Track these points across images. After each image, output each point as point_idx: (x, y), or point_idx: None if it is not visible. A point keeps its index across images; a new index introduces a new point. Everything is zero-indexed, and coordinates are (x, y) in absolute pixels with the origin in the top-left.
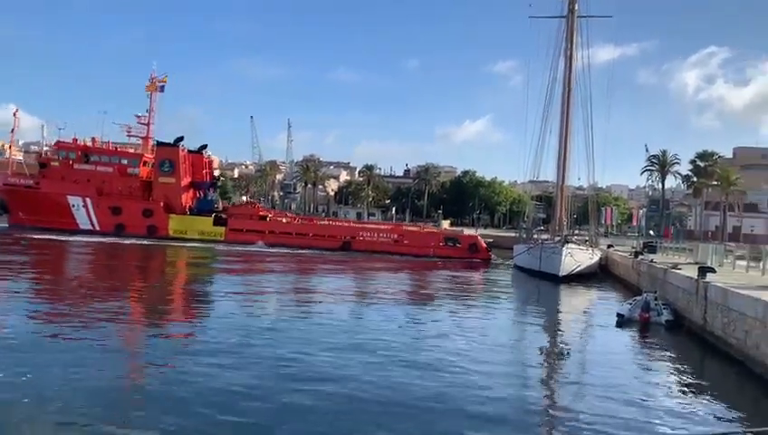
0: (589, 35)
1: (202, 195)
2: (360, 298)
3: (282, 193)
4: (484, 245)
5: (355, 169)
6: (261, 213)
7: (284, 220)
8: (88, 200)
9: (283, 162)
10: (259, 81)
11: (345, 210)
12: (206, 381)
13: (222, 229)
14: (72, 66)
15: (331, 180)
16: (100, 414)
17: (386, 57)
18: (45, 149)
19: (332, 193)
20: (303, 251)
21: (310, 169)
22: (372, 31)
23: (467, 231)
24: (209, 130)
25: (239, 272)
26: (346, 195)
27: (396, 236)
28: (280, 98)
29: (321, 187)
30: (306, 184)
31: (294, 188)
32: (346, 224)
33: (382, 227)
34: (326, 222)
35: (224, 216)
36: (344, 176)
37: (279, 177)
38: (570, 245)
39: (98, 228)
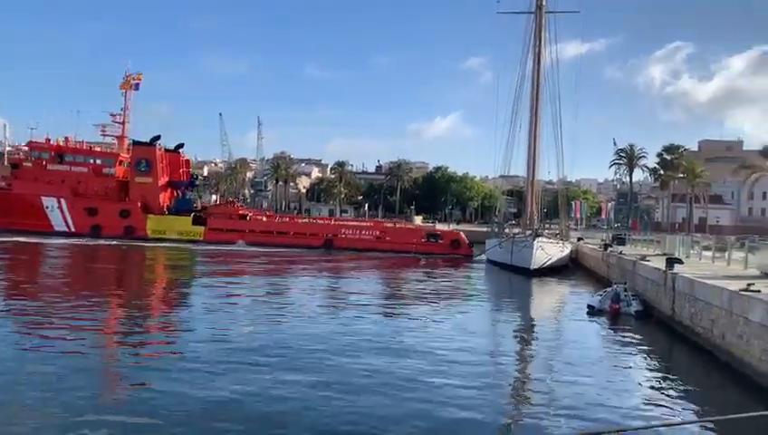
0: (557, 31)
1: (180, 194)
2: (340, 298)
3: (252, 191)
4: (467, 240)
5: (327, 165)
6: (241, 212)
7: (264, 219)
8: (63, 201)
9: (254, 160)
10: (228, 77)
11: (317, 207)
12: (186, 389)
13: (201, 229)
14: (36, 64)
15: (303, 177)
16: (71, 425)
17: (356, 54)
18: (9, 149)
19: (304, 190)
20: (285, 250)
21: (281, 167)
22: (342, 27)
23: (439, 226)
24: (178, 127)
25: (220, 274)
26: (318, 192)
27: (378, 233)
28: (249, 95)
29: (292, 184)
30: (277, 181)
31: (265, 186)
32: (327, 222)
33: (364, 224)
34: (307, 220)
35: (203, 215)
36: (316, 173)
37: (249, 174)
38: (541, 238)
39: (73, 230)
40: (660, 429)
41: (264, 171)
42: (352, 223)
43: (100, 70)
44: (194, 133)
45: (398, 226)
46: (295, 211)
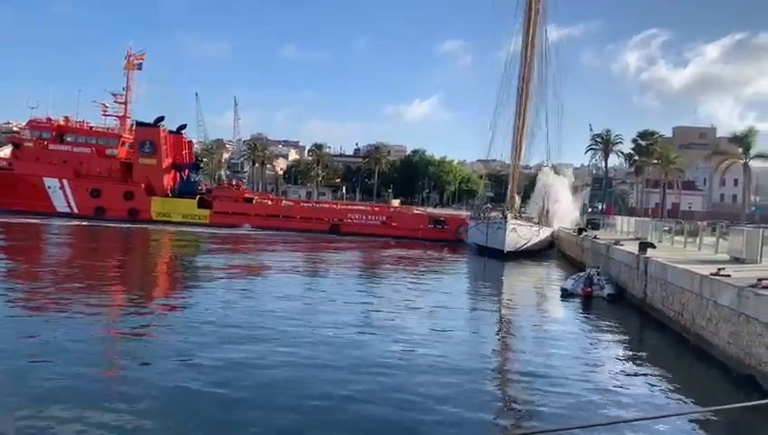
0: (546, 12)
1: (184, 177)
2: (333, 278)
3: (229, 172)
4: None
5: (304, 148)
6: (246, 195)
7: (270, 202)
8: (65, 182)
9: (230, 141)
10: (205, 58)
11: (294, 189)
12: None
13: (206, 212)
14: (18, 48)
15: (280, 159)
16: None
17: (335, 35)
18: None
19: (281, 172)
20: (292, 234)
21: (257, 148)
22: (321, 8)
23: (416, 210)
24: (153, 107)
25: (233, 266)
26: (295, 174)
27: (384, 218)
28: (227, 75)
29: (269, 166)
30: (254, 163)
31: (242, 168)
32: (333, 206)
33: (370, 208)
34: (312, 204)
35: (208, 198)
36: (293, 155)
37: (226, 156)
38: (514, 221)
39: (76, 211)
40: (633, 422)
41: (240, 153)
42: (359, 208)
43: (82, 50)
44: (169, 113)
45: (404, 211)
46: (272, 193)
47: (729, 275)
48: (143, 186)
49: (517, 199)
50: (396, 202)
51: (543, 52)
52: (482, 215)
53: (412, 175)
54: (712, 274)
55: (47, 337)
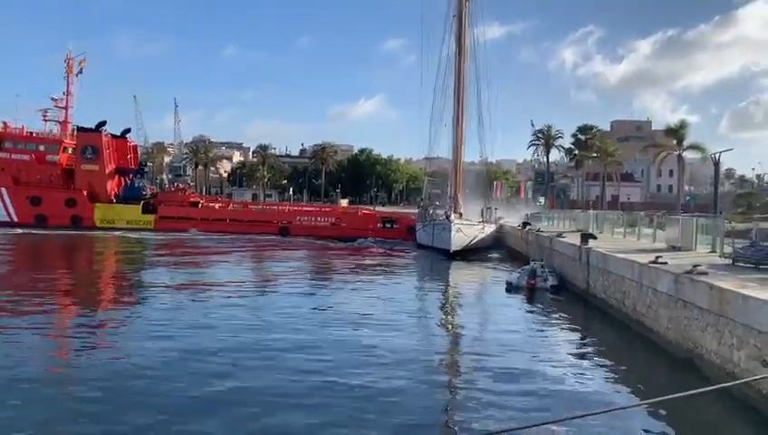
0: (482, 13)
1: (128, 182)
2: (270, 282)
3: (171, 176)
4: None
5: (248, 149)
6: (192, 199)
7: (217, 206)
8: (3, 190)
9: (171, 144)
10: (143, 59)
11: (240, 192)
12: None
13: (151, 217)
14: None
15: (224, 161)
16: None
17: (277, 34)
18: None
19: (225, 174)
20: (240, 238)
21: (200, 151)
22: (263, 7)
23: (365, 210)
24: (89, 110)
25: (172, 265)
26: (240, 176)
27: (333, 219)
28: (166, 77)
29: (212, 168)
30: (197, 166)
31: (184, 171)
32: (282, 208)
33: (319, 210)
34: (261, 207)
35: (153, 203)
36: (237, 157)
37: (167, 159)
38: (457, 220)
39: (16, 220)
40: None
41: (182, 156)
42: (308, 209)
43: (14, 52)
44: (106, 116)
45: (354, 212)
46: (221, 196)
47: (666, 263)
48: (86, 192)
49: (460, 199)
50: (344, 202)
51: (474, 52)
52: (428, 217)
53: (360, 174)
54: (650, 262)
55: None
